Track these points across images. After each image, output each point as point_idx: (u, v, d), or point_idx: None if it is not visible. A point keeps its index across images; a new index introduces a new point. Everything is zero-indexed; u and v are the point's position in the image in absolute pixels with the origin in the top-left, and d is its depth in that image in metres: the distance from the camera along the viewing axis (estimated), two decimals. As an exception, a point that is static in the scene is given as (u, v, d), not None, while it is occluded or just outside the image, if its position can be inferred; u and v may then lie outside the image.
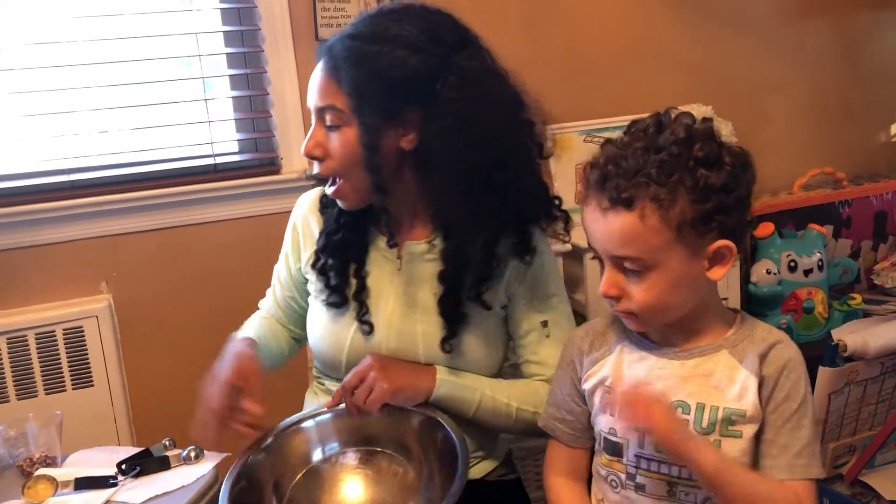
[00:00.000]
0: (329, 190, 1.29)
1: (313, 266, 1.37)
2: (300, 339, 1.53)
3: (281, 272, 1.48)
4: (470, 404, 1.28)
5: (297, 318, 1.49)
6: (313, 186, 1.44)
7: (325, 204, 1.39)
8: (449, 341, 1.28)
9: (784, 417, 1.01)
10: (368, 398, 1.23)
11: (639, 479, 1.09)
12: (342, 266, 1.34)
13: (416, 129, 1.22)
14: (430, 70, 1.19)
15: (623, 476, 1.10)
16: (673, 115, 1.02)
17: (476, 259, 1.25)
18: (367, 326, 1.31)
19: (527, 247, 1.30)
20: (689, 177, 0.96)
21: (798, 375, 1.02)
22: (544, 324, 1.34)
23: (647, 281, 1.00)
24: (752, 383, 1.02)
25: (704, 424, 1.03)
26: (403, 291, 1.32)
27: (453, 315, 1.28)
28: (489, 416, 1.30)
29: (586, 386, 1.14)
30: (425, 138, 1.21)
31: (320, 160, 1.26)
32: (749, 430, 1.02)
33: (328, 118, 1.24)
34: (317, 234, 1.39)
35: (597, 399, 1.12)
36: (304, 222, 1.42)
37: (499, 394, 1.30)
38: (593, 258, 1.07)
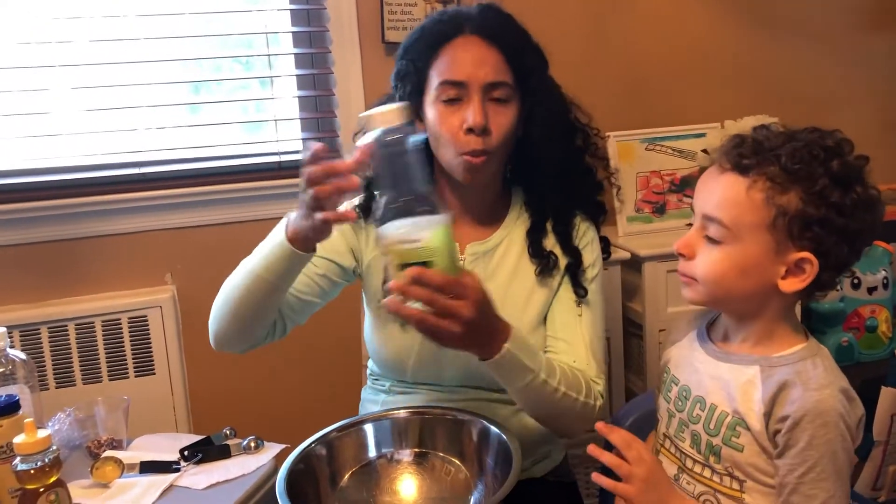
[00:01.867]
0: (475, 161, 1.25)
1: (385, 280, 1.31)
2: (275, 329, 1.37)
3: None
4: (525, 375, 1.17)
5: (297, 302, 1.35)
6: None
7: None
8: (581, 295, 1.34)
9: (808, 465, 0.97)
10: (447, 318, 1.02)
11: (660, 456, 1.13)
12: None
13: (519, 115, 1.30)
14: None
15: (657, 448, 1.16)
16: (839, 136, 1.04)
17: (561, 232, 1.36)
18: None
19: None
20: (813, 176, 0.97)
21: (825, 422, 0.96)
22: (578, 304, 1.34)
23: (720, 252, 1.00)
24: (759, 408, 1.00)
25: (712, 425, 1.04)
26: None
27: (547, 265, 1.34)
28: (534, 396, 1.20)
29: (661, 362, 1.19)
30: (529, 123, 1.31)
31: (487, 134, 1.25)
32: (749, 449, 1.01)
33: (497, 93, 1.25)
34: (363, 244, 1.38)
35: (661, 376, 1.18)
36: (353, 229, 1.39)
37: (550, 377, 1.20)
38: (688, 224, 1.08)
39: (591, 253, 1.37)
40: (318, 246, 1.24)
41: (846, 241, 0.98)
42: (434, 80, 1.26)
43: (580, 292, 1.34)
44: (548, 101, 1.32)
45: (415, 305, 1.01)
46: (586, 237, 1.38)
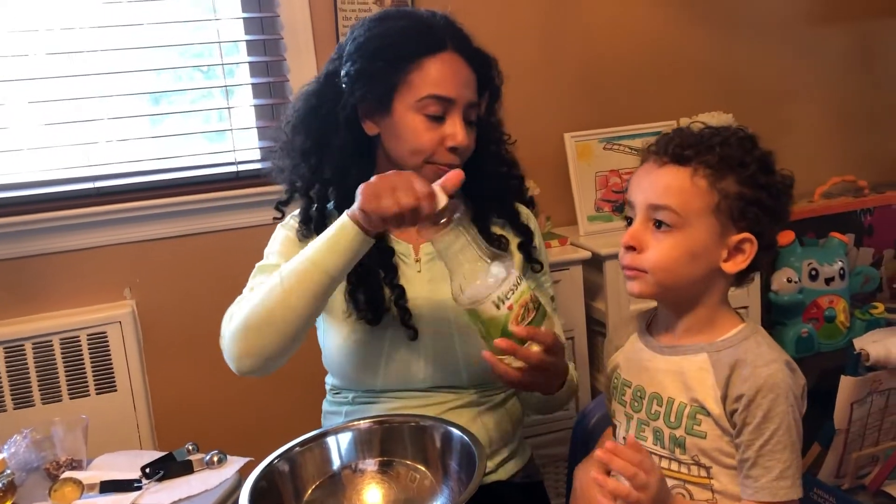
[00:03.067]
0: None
1: (349, 281, 1.33)
2: None
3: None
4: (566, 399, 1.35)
5: None
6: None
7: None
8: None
9: (764, 437, 1.01)
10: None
11: None
12: (373, 276, 1.33)
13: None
14: None
15: None
16: (748, 130, 1.11)
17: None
18: (412, 332, 1.32)
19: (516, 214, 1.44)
20: (744, 163, 1.05)
21: (777, 395, 1.01)
22: (552, 299, 1.41)
23: (673, 239, 1.05)
24: (715, 392, 1.04)
25: (673, 418, 1.07)
26: (428, 289, 1.34)
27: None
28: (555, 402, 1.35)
29: (608, 370, 1.20)
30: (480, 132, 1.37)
31: (464, 151, 1.31)
32: (712, 433, 1.04)
33: (472, 115, 1.32)
34: None
35: (611, 383, 1.19)
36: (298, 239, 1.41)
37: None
38: (625, 217, 1.11)
39: (538, 239, 1.45)
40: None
41: (776, 220, 1.07)
42: (417, 88, 1.27)
43: (536, 267, 1.40)
44: (493, 116, 1.40)
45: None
46: (531, 222, 1.44)
